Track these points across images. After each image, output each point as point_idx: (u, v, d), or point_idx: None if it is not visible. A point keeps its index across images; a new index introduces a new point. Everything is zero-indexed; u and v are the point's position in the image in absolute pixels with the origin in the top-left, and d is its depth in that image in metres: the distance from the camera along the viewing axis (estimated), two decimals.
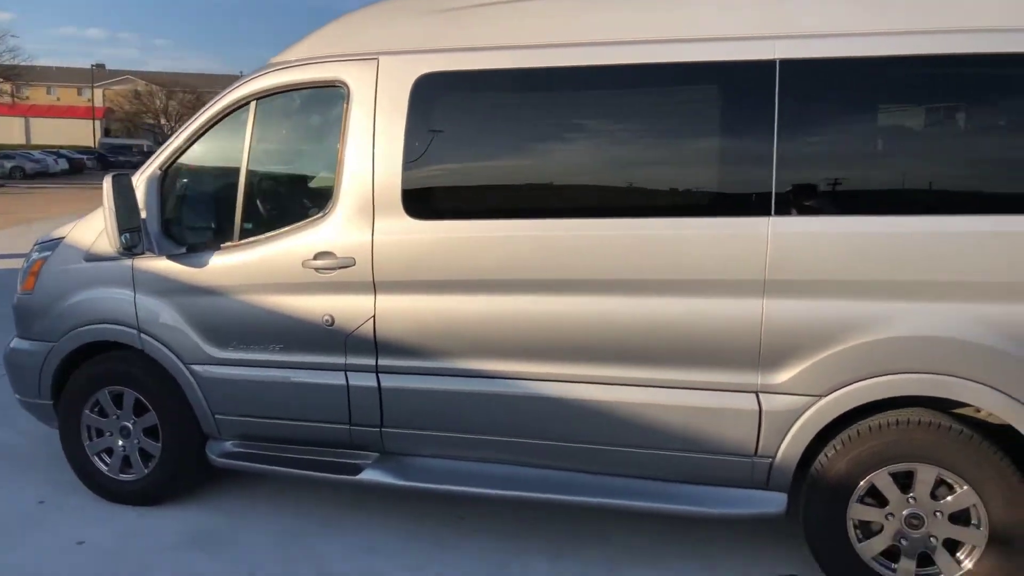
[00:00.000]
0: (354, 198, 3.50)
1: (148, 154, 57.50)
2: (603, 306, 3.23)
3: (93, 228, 4.01)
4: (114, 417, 4.05)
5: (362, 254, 3.49)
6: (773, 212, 3.03)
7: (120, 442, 4.06)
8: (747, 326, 3.08)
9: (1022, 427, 2.91)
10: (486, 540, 3.71)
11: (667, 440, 3.26)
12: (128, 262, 3.89)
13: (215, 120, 3.78)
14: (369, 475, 3.63)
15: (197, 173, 4.01)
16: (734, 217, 3.07)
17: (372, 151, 3.46)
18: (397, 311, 3.49)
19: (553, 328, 3.31)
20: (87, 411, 4.07)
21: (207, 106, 3.83)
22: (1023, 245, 2.84)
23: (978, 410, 3.07)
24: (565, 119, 3.38)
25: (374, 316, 3.52)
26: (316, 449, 3.81)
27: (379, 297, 3.50)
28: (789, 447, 3.14)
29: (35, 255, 4.21)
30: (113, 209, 3.60)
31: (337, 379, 3.63)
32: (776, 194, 3.02)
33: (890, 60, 2.96)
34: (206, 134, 3.82)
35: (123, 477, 4.08)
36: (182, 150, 3.84)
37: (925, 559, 3.09)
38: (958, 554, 3.05)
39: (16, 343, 4.28)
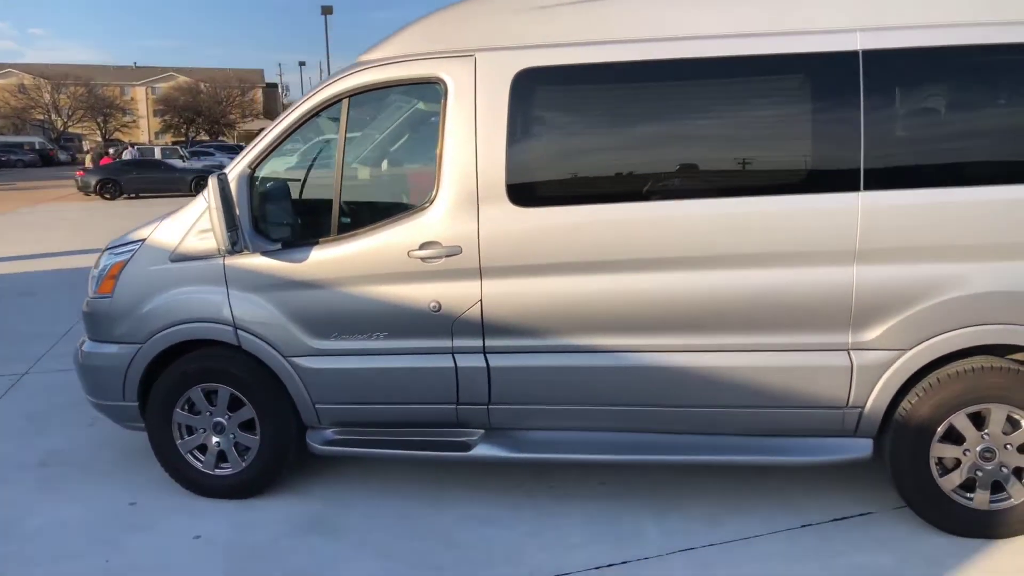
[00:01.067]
0: (457, 190, 3.68)
1: (40, 152, 54.74)
2: (707, 280, 3.52)
3: (177, 228, 4.06)
4: (207, 414, 4.12)
5: (468, 242, 3.67)
6: (863, 187, 3.38)
7: (214, 438, 4.14)
8: (841, 291, 3.43)
9: None
10: (588, 504, 3.98)
11: (768, 398, 3.59)
12: (219, 260, 3.96)
13: (306, 118, 3.88)
14: (481, 451, 3.84)
15: (289, 170, 4.08)
16: (830, 193, 3.40)
17: (475, 144, 3.64)
18: (503, 294, 3.70)
19: (658, 303, 3.58)
20: (178, 409, 4.13)
21: (296, 105, 3.92)
22: None
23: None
24: (662, 109, 3.64)
25: (481, 300, 3.71)
26: (418, 430, 3.99)
27: (485, 282, 3.70)
28: (878, 397, 3.52)
29: (111, 259, 4.21)
30: (220, 209, 3.68)
31: (445, 362, 3.81)
32: (864, 170, 3.37)
33: (955, 49, 3.33)
34: (297, 133, 3.92)
35: (219, 472, 4.16)
36: (272, 148, 3.92)
37: (997, 487, 3.52)
38: None
39: (92, 347, 4.29)
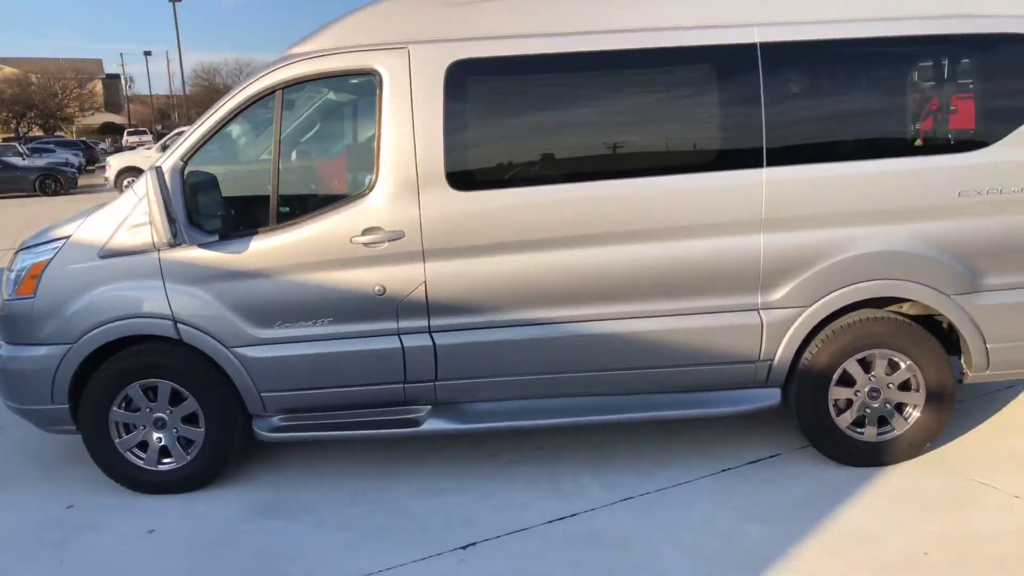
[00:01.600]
0: (397, 177, 3.84)
1: None
2: (632, 252, 3.88)
3: (106, 224, 4.00)
4: (146, 410, 4.10)
5: (411, 226, 3.85)
6: (765, 164, 3.82)
7: (155, 434, 4.12)
8: (751, 257, 3.87)
9: (944, 311, 3.96)
10: (528, 468, 4.27)
11: (691, 357, 3.99)
12: (154, 255, 3.94)
13: (238, 110, 3.92)
14: (431, 425, 4.04)
15: (222, 162, 4.09)
16: (738, 170, 3.82)
17: (412, 133, 3.82)
18: (446, 275, 3.90)
19: (588, 276, 3.90)
20: (115, 408, 4.07)
21: (227, 98, 3.94)
22: (935, 177, 3.84)
23: (900, 307, 4.09)
24: (585, 97, 3.94)
25: (425, 282, 3.90)
26: (365, 411, 4.13)
27: (428, 264, 3.89)
28: (784, 350, 4.00)
29: (30, 258, 4.09)
30: (159, 202, 3.67)
31: (392, 343, 3.97)
32: (767, 149, 3.81)
33: (834, 42, 3.83)
34: (229, 124, 3.95)
35: (162, 467, 4.15)
36: (204, 140, 3.93)
37: (883, 421, 4.08)
38: (904, 413, 4.07)
39: (11, 350, 4.14)
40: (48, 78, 67.80)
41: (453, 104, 3.83)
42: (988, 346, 3.99)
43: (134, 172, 19.66)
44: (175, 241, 3.81)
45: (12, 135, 59.02)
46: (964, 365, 4.10)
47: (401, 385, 4.06)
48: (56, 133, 60.68)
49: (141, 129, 50.08)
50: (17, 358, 4.12)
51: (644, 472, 4.17)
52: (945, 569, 3.23)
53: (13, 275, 4.14)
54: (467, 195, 3.86)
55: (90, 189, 25.26)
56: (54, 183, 24.16)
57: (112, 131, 59.24)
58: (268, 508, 3.99)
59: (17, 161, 26.49)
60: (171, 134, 24.13)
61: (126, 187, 4.51)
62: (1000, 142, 3.84)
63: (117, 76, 78.19)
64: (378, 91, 3.85)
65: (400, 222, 3.86)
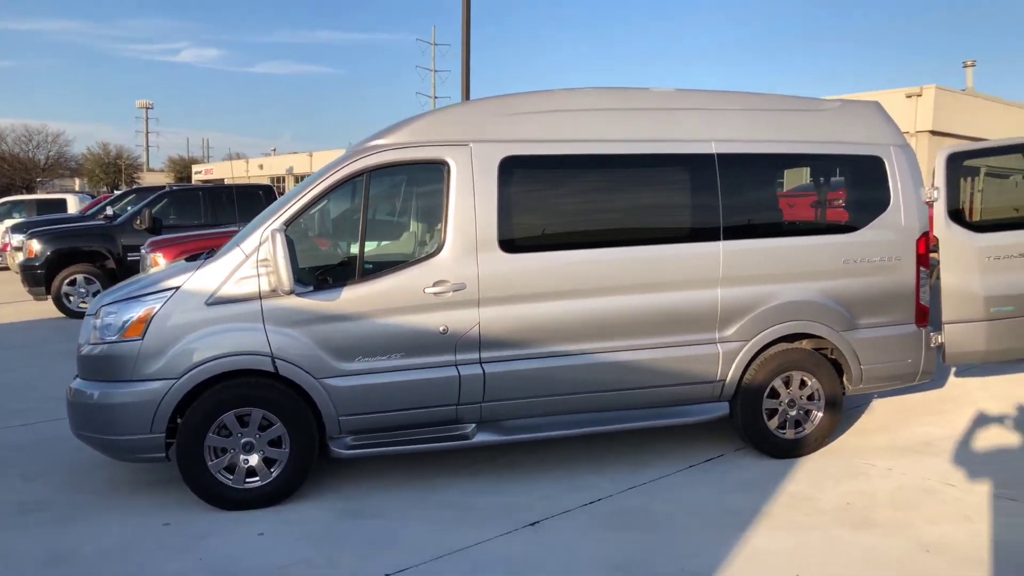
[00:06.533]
0: (460, 241, 4.99)
1: None
2: (628, 301, 5.24)
3: (215, 277, 4.78)
4: (237, 435, 4.81)
5: (470, 280, 4.98)
6: (722, 238, 5.38)
7: (243, 456, 4.83)
8: (712, 304, 5.37)
9: (836, 343, 5.64)
10: (545, 472, 5.39)
11: (669, 378, 5.37)
12: (257, 302, 4.77)
13: (333, 187, 4.92)
14: (480, 438, 5.09)
15: (318, 228, 5.01)
16: (704, 242, 5.35)
17: (473, 208, 5.00)
18: (495, 318, 5.05)
19: (599, 318, 5.20)
20: (211, 434, 4.76)
21: (323, 178, 4.92)
22: (829, 250, 5.58)
23: (802, 342, 5.74)
24: (599, 187, 5.32)
25: (479, 323, 5.02)
26: (421, 429, 5.10)
27: (482, 309, 5.02)
28: (733, 372, 5.49)
29: (139, 305, 4.73)
30: (286, 258, 4.56)
31: (450, 372, 5.01)
32: (723, 227, 5.37)
33: (772, 156, 5.54)
34: (324, 198, 4.93)
35: (248, 485, 4.84)
36: (304, 209, 4.88)
37: (798, 424, 5.66)
38: (811, 417, 5.68)
39: (110, 387, 4.72)
40: None
41: (504, 188, 5.06)
42: (862, 367, 5.72)
43: None
44: (295, 291, 4.68)
45: None
46: (846, 381, 5.80)
47: (454, 407, 5.09)
48: None
49: None
50: (117, 393, 4.70)
51: (634, 471, 5.44)
52: (863, 511, 4.75)
53: (113, 322, 4.75)
54: (513, 256, 5.06)
55: None
56: None
57: None
58: (350, 513, 4.81)
59: None
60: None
61: None
62: (867, 227, 5.68)
63: None
64: (446, 177, 5.02)
65: (462, 276, 4.97)
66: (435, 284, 4.95)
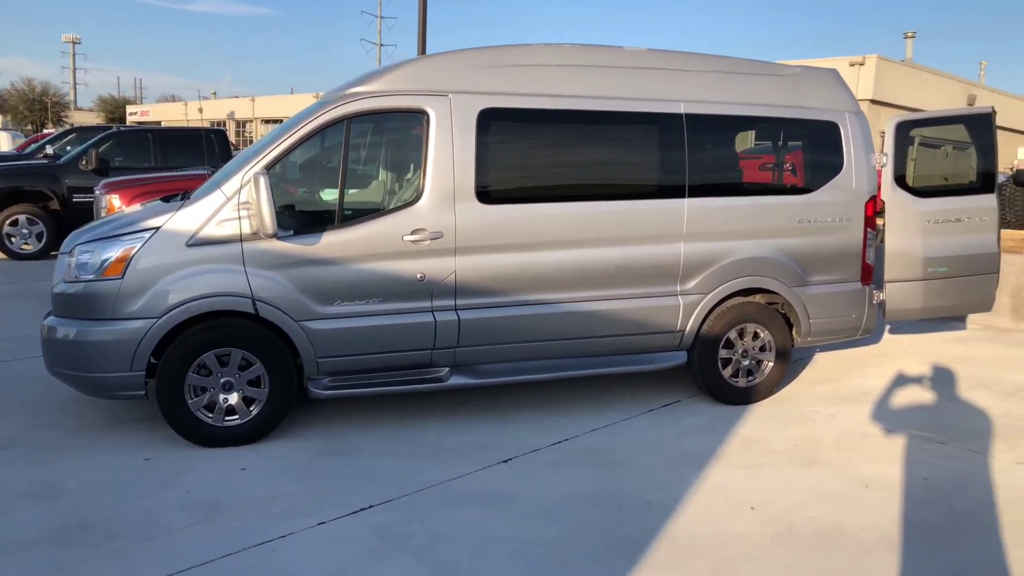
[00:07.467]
0: (438, 191, 5.12)
1: None
2: (598, 253, 5.47)
3: (196, 218, 4.82)
4: (217, 375, 4.91)
5: (448, 229, 5.13)
6: (687, 195, 5.63)
7: (222, 395, 4.94)
8: (675, 258, 5.64)
9: (788, 298, 6.00)
10: (517, 416, 5.64)
11: (634, 327, 5.65)
12: (238, 244, 4.84)
13: (313, 133, 4.98)
14: (454, 381, 5.30)
15: (298, 173, 5.07)
16: (671, 199, 5.59)
17: (452, 158, 5.13)
18: (471, 267, 5.21)
19: (571, 269, 5.42)
20: (191, 373, 4.85)
21: (302, 123, 4.97)
22: (785, 210, 5.89)
23: (754, 296, 6.08)
24: (573, 141, 5.49)
25: (455, 271, 5.18)
26: (397, 372, 5.28)
27: (458, 258, 5.18)
28: (692, 324, 5.80)
29: (119, 244, 4.75)
30: (268, 201, 4.63)
31: (426, 317, 5.18)
32: (688, 186, 5.62)
33: (736, 117, 5.78)
34: (304, 144, 4.98)
35: (228, 423, 4.97)
36: (284, 154, 4.93)
37: (749, 373, 6.03)
38: (762, 367, 6.05)
39: (88, 324, 4.76)
40: None
41: (482, 140, 5.19)
42: (811, 321, 6.10)
43: None
44: (277, 234, 4.75)
45: None
46: (795, 334, 6.17)
47: (429, 351, 5.27)
48: None
49: None
50: (96, 331, 4.75)
51: (598, 414, 5.73)
52: (809, 452, 5.14)
53: (92, 260, 4.77)
54: (490, 207, 5.22)
55: None
56: None
57: None
58: (328, 451, 4.99)
59: None
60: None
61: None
62: (820, 189, 6.00)
63: None
64: (426, 127, 5.12)
65: (440, 225, 5.12)
66: (413, 232, 5.08)
